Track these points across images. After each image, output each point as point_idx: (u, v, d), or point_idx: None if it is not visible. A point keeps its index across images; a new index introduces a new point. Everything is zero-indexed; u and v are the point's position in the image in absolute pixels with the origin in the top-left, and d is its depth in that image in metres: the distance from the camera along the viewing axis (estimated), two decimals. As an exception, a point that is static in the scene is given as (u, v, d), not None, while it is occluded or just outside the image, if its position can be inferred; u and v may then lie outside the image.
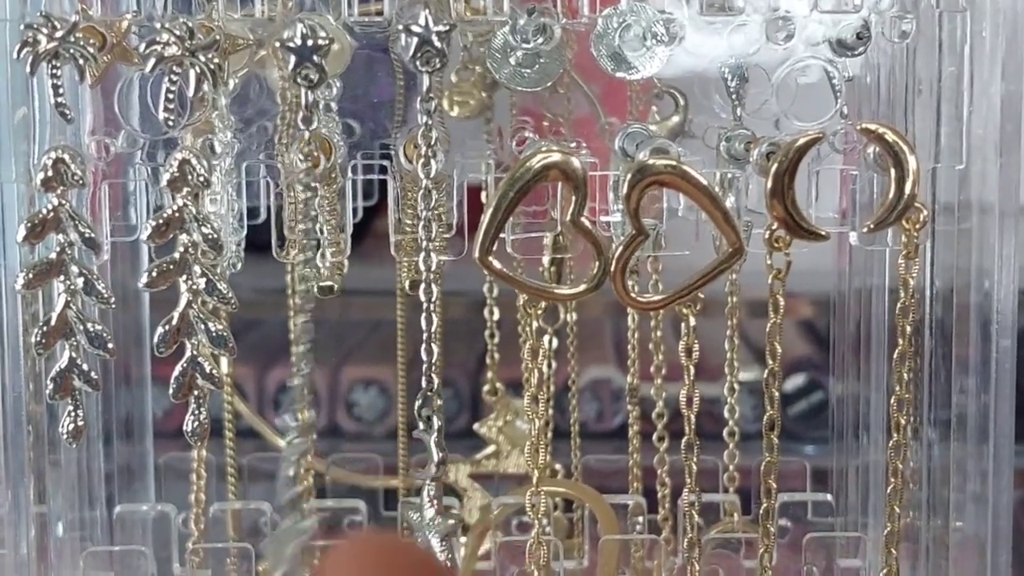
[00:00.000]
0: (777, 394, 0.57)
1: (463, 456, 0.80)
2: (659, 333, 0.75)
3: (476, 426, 0.79)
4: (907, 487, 0.60)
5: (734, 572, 0.71)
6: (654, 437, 0.76)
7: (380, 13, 0.57)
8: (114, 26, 0.58)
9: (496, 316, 0.78)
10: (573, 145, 0.67)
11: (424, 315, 0.53)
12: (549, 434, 0.79)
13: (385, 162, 0.63)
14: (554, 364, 0.79)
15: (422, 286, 0.55)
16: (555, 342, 0.79)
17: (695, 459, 0.56)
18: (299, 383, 0.71)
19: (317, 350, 0.78)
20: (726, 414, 0.75)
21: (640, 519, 0.72)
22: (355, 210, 0.67)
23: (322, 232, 0.64)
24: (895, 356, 0.57)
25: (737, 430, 0.75)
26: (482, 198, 0.66)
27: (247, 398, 1.20)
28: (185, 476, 0.79)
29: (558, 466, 0.80)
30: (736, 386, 0.75)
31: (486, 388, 0.78)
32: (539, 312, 0.56)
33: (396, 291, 0.78)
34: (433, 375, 0.54)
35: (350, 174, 0.62)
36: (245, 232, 0.64)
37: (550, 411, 0.79)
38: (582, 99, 0.74)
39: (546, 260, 0.74)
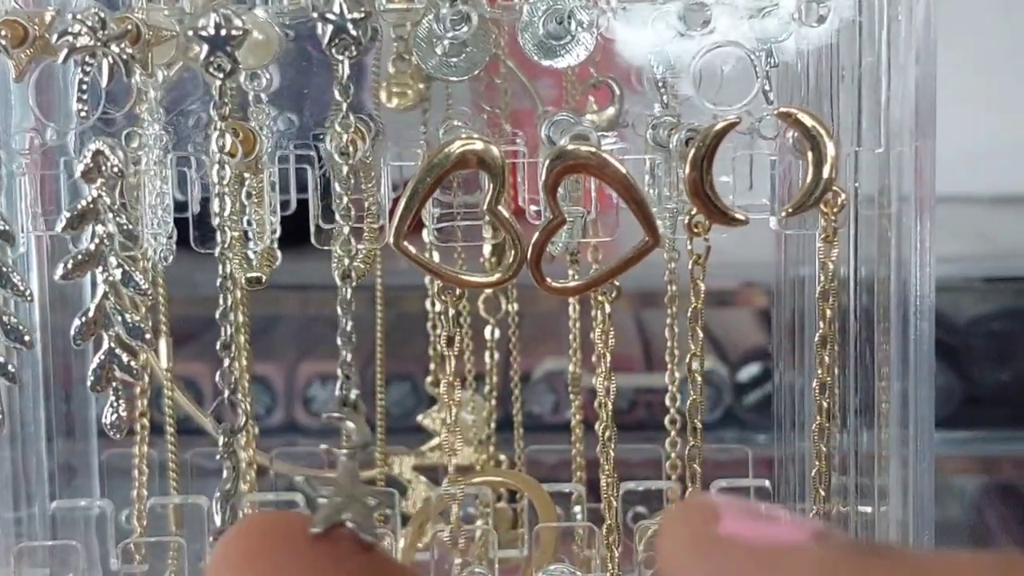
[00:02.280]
0: (700, 380, 0.57)
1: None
2: (601, 330, 0.75)
3: (420, 418, 0.79)
4: (832, 473, 0.60)
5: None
6: (596, 426, 0.76)
7: (296, 3, 0.57)
8: (36, 19, 0.58)
9: (438, 308, 0.77)
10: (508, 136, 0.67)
11: (339, 306, 0.53)
12: (492, 425, 0.79)
13: (310, 151, 0.63)
14: (496, 355, 0.79)
15: (337, 274, 0.55)
16: (496, 332, 0.79)
17: (612, 448, 0.56)
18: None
19: (274, 346, 0.78)
20: (667, 402, 0.75)
21: (578, 508, 0.72)
22: (287, 203, 0.67)
23: (250, 224, 0.64)
24: (816, 340, 0.57)
25: (678, 418, 0.75)
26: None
27: (203, 397, 1.20)
28: (129, 473, 0.79)
29: (502, 456, 0.80)
30: (676, 374, 0.75)
31: (428, 380, 0.78)
32: (455, 299, 0.56)
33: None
34: (350, 373, 0.54)
35: (276, 164, 0.62)
36: (172, 226, 0.64)
37: (492, 402, 0.79)
38: (522, 90, 0.74)
39: (487, 249, 0.74)
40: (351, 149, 0.54)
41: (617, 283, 0.56)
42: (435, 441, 0.79)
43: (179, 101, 0.67)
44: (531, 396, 1.12)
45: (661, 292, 0.63)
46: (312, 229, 0.61)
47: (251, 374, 0.76)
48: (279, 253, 0.66)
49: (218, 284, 0.55)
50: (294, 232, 0.66)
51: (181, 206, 0.66)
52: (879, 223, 0.58)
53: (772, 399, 0.79)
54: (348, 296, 0.51)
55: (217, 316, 0.58)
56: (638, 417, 1.13)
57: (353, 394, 0.49)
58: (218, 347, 0.58)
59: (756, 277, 1.12)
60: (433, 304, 0.78)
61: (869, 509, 0.61)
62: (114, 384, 0.54)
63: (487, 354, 0.78)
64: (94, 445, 0.82)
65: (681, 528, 0.30)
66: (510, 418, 0.82)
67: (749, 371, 1.20)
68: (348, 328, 0.50)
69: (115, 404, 0.55)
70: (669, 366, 0.74)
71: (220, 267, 0.54)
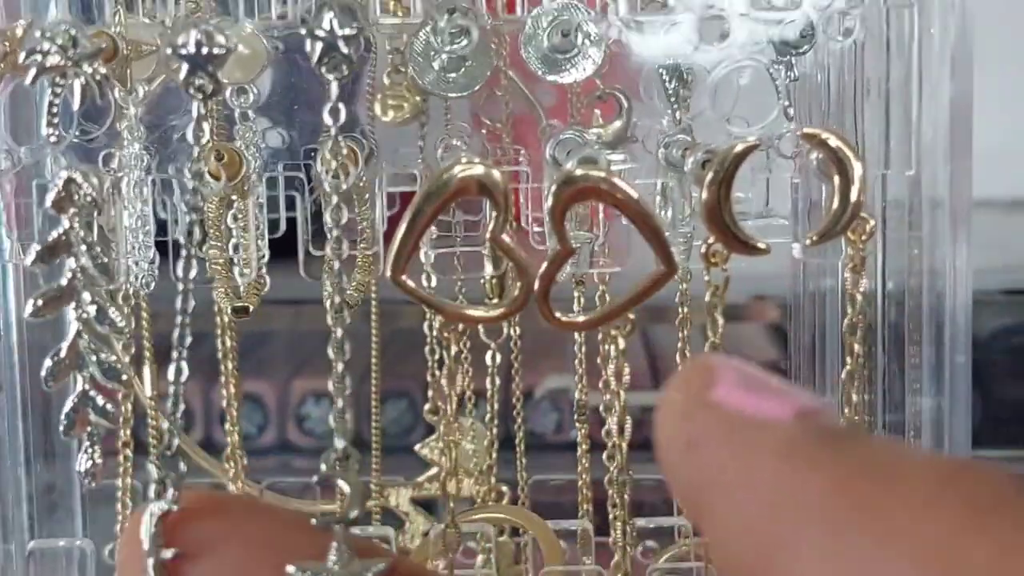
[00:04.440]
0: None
1: (407, 477, 0.77)
2: (607, 347, 0.71)
3: (417, 447, 0.75)
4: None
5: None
6: (604, 456, 0.72)
7: (283, 17, 0.53)
8: (6, 35, 0.54)
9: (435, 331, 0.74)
10: (512, 154, 0.63)
11: (332, 346, 0.49)
12: (494, 455, 0.76)
13: (299, 174, 0.59)
14: (497, 380, 0.75)
15: (329, 307, 0.51)
16: (498, 357, 0.75)
17: (627, 492, 0.52)
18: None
19: (266, 363, 0.75)
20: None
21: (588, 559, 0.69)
22: (277, 222, 0.64)
23: (236, 250, 0.60)
24: (843, 375, 0.53)
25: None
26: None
27: (193, 415, 1.16)
28: (113, 498, 0.75)
29: (504, 488, 0.76)
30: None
31: (427, 407, 0.74)
32: (458, 336, 0.52)
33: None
34: (343, 406, 0.50)
35: (264, 188, 0.58)
36: (153, 250, 0.60)
37: (494, 431, 0.76)
38: (523, 102, 0.70)
39: (488, 273, 0.70)
40: (341, 175, 0.50)
41: (632, 315, 0.52)
42: (433, 471, 0.75)
43: (163, 116, 0.64)
44: (533, 414, 1.08)
45: (667, 307, 0.60)
46: (301, 258, 0.58)
47: (241, 395, 0.73)
48: (268, 279, 0.63)
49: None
50: (284, 246, 0.62)
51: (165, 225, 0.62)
52: (908, 242, 0.55)
53: None
54: (340, 337, 0.47)
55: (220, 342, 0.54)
56: (644, 436, 1.08)
57: (345, 447, 0.45)
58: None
59: (767, 290, 1.08)
60: (431, 326, 0.74)
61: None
62: (89, 429, 0.51)
63: (488, 380, 0.75)
64: (75, 471, 0.78)
65: (677, 391, 0.31)
66: (511, 436, 0.79)
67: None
68: (340, 371, 0.46)
69: (89, 451, 0.51)
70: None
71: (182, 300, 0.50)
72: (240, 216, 0.58)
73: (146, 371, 0.71)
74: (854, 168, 0.51)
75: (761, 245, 0.51)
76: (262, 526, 0.35)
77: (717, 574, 0.29)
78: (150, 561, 0.35)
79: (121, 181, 0.58)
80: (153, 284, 0.62)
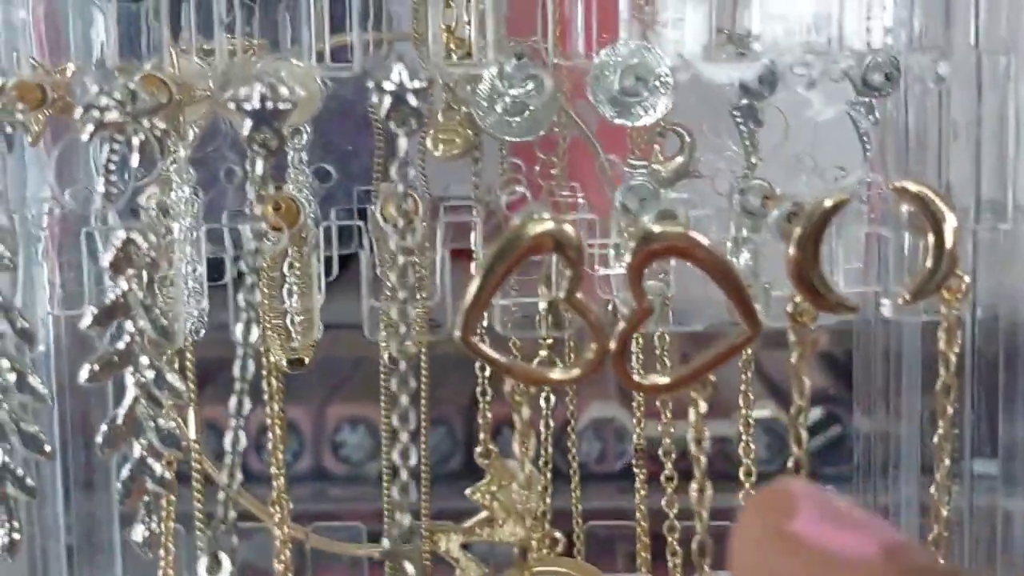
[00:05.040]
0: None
1: (455, 523, 0.74)
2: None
3: (468, 492, 0.72)
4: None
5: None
6: (663, 502, 0.70)
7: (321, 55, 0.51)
8: (54, 78, 0.52)
9: (488, 371, 0.71)
10: (569, 195, 0.61)
11: (396, 414, 0.47)
12: (547, 500, 0.74)
13: (360, 223, 0.57)
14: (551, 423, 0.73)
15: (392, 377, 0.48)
16: (552, 399, 0.73)
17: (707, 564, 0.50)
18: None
19: (300, 388, 0.73)
20: (742, 475, 0.68)
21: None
22: (330, 260, 0.62)
23: (290, 295, 0.58)
24: (936, 439, 0.51)
25: (754, 471, 0.68)
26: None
27: (302, 438, 1.14)
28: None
29: (558, 534, 0.74)
30: (751, 444, 0.69)
31: (478, 450, 0.72)
32: (530, 398, 0.50)
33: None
34: (406, 480, 0.47)
35: (322, 242, 0.56)
36: (206, 299, 0.58)
37: (548, 475, 0.73)
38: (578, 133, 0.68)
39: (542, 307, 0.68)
40: (409, 236, 0.48)
41: (713, 378, 0.50)
42: (483, 515, 0.73)
43: (202, 149, 0.62)
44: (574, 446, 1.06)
45: (716, 332, 0.58)
46: (365, 315, 0.55)
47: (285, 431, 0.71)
48: (321, 328, 0.60)
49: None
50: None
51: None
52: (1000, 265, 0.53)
53: (849, 445, 0.75)
54: (405, 406, 0.44)
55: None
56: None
57: (407, 521, 0.43)
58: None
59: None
60: (483, 367, 0.71)
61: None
62: (146, 498, 0.48)
63: (541, 422, 0.72)
64: (114, 507, 0.77)
65: (755, 519, 0.29)
66: (555, 467, 0.77)
67: (810, 415, 1.13)
68: (405, 442, 0.44)
69: (146, 520, 0.49)
70: (742, 426, 0.68)
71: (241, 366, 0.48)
72: (296, 264, 0.56)
73: (190, 413, 0.69)
74: (948, 223, 0.48)
75: (852, 305, 0.48)
76: None
77: None
78: None
79: (173, 228, 0.55)
80: (203, 331, 0.60)
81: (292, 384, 0.70)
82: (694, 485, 0.51)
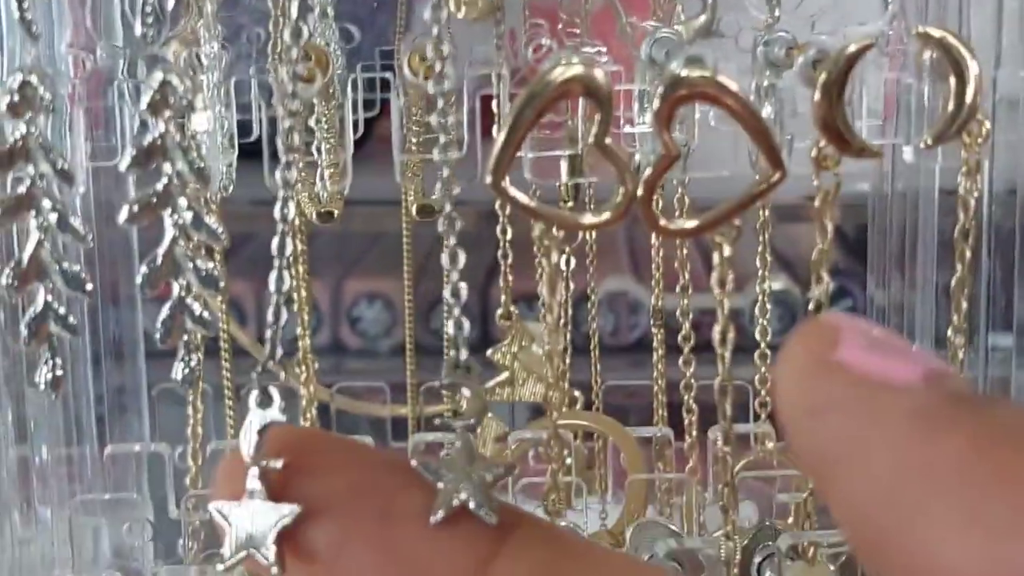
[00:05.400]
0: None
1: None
2: (685, 251, 0.70)
3: (489, 352, 0.74)
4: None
5: (766, 505, 0.67)
6: (680, 361, 0.71)
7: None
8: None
9: (509, 235, 0.72)
10: (594, 51, 0.61)
11: (446, 254, 0.47)
12: (567, 360, 0.75)
13: (387, 75, 0.58)
14: (572, 286, 0.74)
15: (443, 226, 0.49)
16: (572, 261, 0.74)
17: (728, 403, 0.51)
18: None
19: (317, 263, 0.74)
20: (757, 336, 0.70)
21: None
22: (355, 123, 0.62)
23: (319, 152, 0.59)
24: (953, 283, 0.52)
25: (769, 353, 0.70)
26: (492, 108, 0.61)
27: (245, 316, 1.15)
28: (181, 398, 0.74)
29: (577, 392, 0.76)
30: (768, 307, 0.70)
31: (499, 312, 0.73)
32: (560, 243, 0.51)
33: (399, 201, 0.74)
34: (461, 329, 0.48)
35: (350, 92, 0.57)
36: (236, 153, 0.59)
37: (567, 336, 0.75)
38: (598, -4, 0.68)
39: (564, 176, 0.69)
40: (444, 80, 0.48)
41: (738, 222, 0.51)
42: (504, 376, 0.74)
43: (228, 14, 0.62)
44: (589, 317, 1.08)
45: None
46: (397, 166, 0.56)
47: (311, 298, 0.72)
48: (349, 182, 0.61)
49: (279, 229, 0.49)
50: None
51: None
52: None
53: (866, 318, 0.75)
54: (453, 246, 0.45)
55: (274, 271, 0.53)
56: (704, 338, 1.07)
57: (464, 355, 0.44)
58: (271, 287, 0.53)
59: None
60: (504, 231, 0.72)
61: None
62: (186, 337, 0.49)
63: (561, 285, 0.73)
64: (142, 368, 0.78)
65: (798, 350, 0.30)
66: (572, 341, 0.78)
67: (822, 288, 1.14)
68: (455, 280, 0.45)
69: (186, 358, 0.50)
70: (760, 299, 0.70)
71: (282, 206, 0.49)
72: (324, 118, 0.57)
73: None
74: (970, 68, 0.49)
75: (875, 148, 0.49)
76: (363, 471, 0.33)
77: (848, 543, 0.28)
78: (254, 469, 0.33)
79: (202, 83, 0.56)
80: (232, 187, 0.61)
81: (310, 260, 0.71)
82: (716, 329, 0.52)
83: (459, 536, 0.31)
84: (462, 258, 0.45)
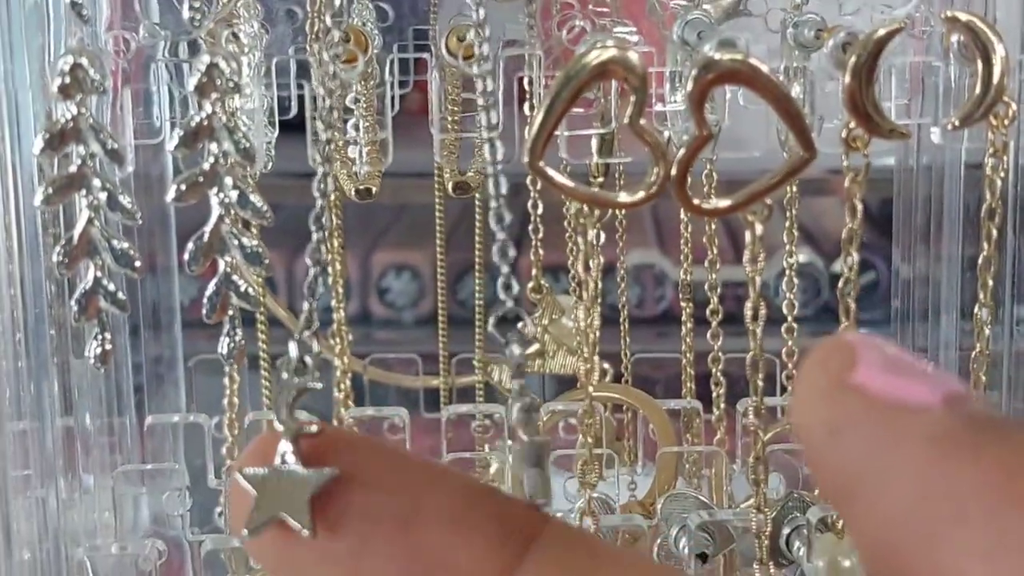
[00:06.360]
0: (852, 305, 0.53)
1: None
2: (713, 226, 0.71)
3: (519, 325, 0.75)
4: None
5: (793, 478, 0.69)
6: (708, 335, 0.72)
7: None
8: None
9: (540, 210, 0.73)
10: (626, 32, 0.62)
11: (493, 219, 0.49)
12: (597, 333, 0.76)
13: (423, 55, 0.59)
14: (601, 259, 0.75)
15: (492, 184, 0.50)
16: (602, 236, 0.75)
17: (760, 376, 0.52)
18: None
19: (345, 234, 0.75)
20: (784, 310, 0.71)
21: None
22: (393, 99, 0.64)
23: (357, 129, 0.60)
24: (980, 262, 0.53)
25: (796, 327, 0.71)
26: (524, 85, 0.62)
27: (276, 286, 1.17)
28: (217, 368, 0.76)
29: (606, 365, 0.77)
30: (795, 280, 0.71)
31: (530, 285, 0.74)
32: (594, 221, 0.52)
33: (427, 174, 0.75)
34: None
35: (387, 73, 0.58)
36: (277, 132, 0.60)
37: (597, 308, 0.76)
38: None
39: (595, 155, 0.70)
40: (483, 60, 0.50)
41: (769, 201, 0.52)
42: (534, 348, 0.75)
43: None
44: (616, 289, 1.09)
45: (750, 180, 0.59)
46: (436, 145, 0.57)
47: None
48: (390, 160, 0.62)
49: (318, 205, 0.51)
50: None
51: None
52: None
53: (890, 291, 0.76)
54: (501, 207, 0.46)
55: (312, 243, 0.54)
56: (727, 310, 1.09)
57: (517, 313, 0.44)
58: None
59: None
60: (535, 205, 0.73)
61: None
62: (231, 312, 0.51)
63: (592, 261, 0.74)
64: (179, 337, 0.79)
65: (815, 371, 0.29)
66: (601, 313, 0.79)
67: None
68: (504, 236, 0.46)
69: (231, 333, 0.51)
70: (788, 272, 0.71)
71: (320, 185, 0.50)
72: (365, 99, 0.58)
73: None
74: (997, 52, 0.50)
75: (904, 130, 0.50)
76: (392, 472, 0.32)
77: (864, 567, 0.28)
78: (287, 435, 0.32)
79: (242, 63, 0.57)
80: (271, 165, 0.63)
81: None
82: (748, 305, 0.54)
83: (483, 541, 0.30)
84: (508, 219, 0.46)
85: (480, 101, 0.48)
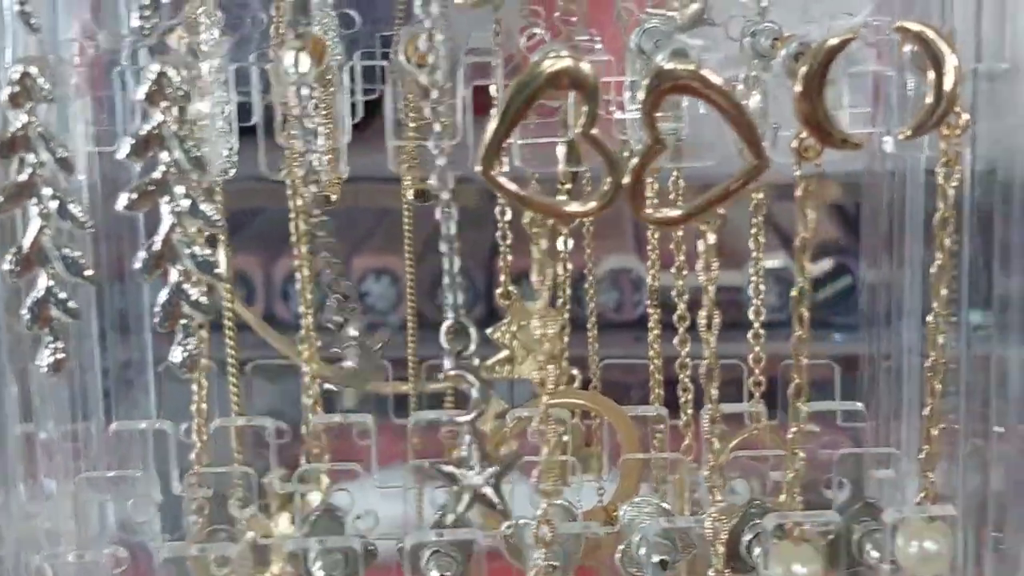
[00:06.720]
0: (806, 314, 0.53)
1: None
2: (680, 232, 0.71)
3: (489, 331, 0.75)
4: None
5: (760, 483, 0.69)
6: (675, 340, 0.72)
7: None
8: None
9: (508, 216, 0.73)
10: (587, 39, 0.62)
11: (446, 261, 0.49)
12: (566, 339, 0.76)
13: (384, 63, 0.59)
14: (570, 266, 0.75)
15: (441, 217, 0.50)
16: (571, 242, 0.75)
17: (717, 409, 0.52)
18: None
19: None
20: (751, 316, 0.70)
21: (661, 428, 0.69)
22: (354, 106, 0.64)
23: (316, 135, 0.60)
24: (933, 270, 0.53)
25: (763, 334, 0.70)
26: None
27: (254, 290, 1.17)
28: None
29: (575, 371, 0.77)
30: (762, 286, 0.70)
31: (499, 291, 0.74)
32: (547, 230, 0.52)
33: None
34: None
35: (346, 80, 0.58)
36: (237, 138, 0.60)
37: (566, 315, 0.76)
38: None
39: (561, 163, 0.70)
40: (437, 74, 0.50)
41: (722, 211, 0.52)
42: (503, 354, 0.75)
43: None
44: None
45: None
46: (389, 154, 0.57)
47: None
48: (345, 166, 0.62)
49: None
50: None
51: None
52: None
53: (857, 296, 0.76)
54: (453, 239, 0.47)
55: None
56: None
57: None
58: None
59: (828, 168, 1.07)
60: (503, 212, 0.73)
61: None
62: (183, 322, 0.51)
63: (560, 266, 0.74)
64: (148, 343, 0.79)
65: None
66: (575, 317, 0.79)
67: (821, 266, 1.16)
68: (455, 269, 0.46)
69: (184, 342, 0.51)
70: (754, 278, 0.70)
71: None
72: (324, 105, 0.58)
73: (220, 253, 0.72)
74: (949, 62, 0.50)
75: (856, 141, 0.50)
76: None
77: None
78: None
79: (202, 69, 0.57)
80: (233, 171, 0.62)
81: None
82: (702, 313, 0.54)
83: None
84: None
85: (427, 110, 0.49)
